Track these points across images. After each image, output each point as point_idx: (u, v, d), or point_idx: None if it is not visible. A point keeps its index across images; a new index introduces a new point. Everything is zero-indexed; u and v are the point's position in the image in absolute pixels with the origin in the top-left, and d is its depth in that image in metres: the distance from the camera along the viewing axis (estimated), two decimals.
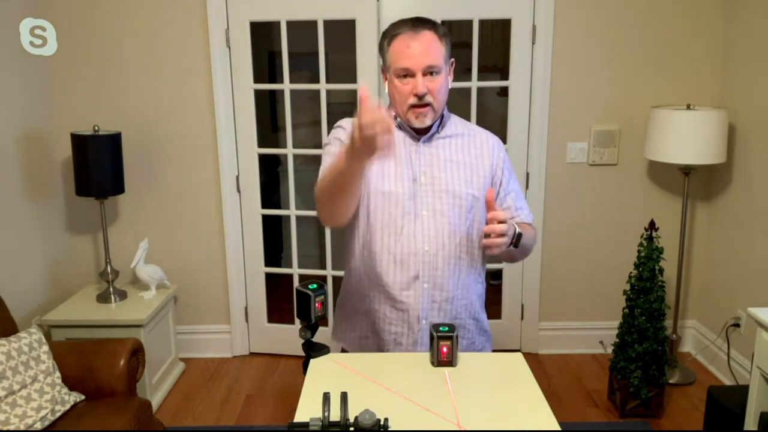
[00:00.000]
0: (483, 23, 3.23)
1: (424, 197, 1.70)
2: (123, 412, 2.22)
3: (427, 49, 1.61)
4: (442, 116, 1.74)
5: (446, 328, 1.56)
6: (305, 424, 1.23)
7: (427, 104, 1.64)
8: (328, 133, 1.82)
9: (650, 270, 2.78)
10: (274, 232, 4.43)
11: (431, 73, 1.63)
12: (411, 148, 1.72)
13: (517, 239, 1.59)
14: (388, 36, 1.67)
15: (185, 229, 3.42)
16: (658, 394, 2.85)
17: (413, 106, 1.65)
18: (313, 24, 3.14)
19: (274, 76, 4.86)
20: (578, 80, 3.27)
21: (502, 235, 1.50)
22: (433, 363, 1.57)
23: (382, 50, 1.70)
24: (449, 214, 1.70)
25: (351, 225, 1.78)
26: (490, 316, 1.89)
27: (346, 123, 1.78)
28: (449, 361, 1.55)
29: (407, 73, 1.63)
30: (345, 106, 3.91)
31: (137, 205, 3.38)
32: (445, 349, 1.55)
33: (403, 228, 1.69)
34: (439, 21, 1.70)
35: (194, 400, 3.12)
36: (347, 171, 1.46)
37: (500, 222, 1.50)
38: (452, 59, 1.70)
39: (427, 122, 1.68)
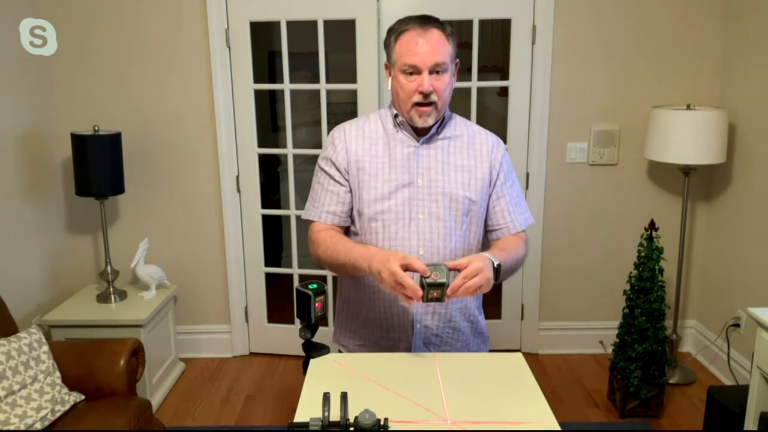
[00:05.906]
0: (483, 23, 3.23)
1: (421, 200, 1.68)
2: (123, 412, 2.22)
3: (435, 47, 1.60)
4: (443, 116, 1.71)
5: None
6: (305, 424, 1.23)
7: (432, 103, 1.63)
8: (328, 132, 1.80)
9: (650, 270, 2.78)
10: (274, 232, 4.43)
11: (437, 72, 1.61)
12: (410, 150, 1.70)
13: (497, 271, 1.53)
14: (395, 32, 1.65)
15: (185, 229, 3.42)
16: (658, 394, 2.85)
17: (417, 105, 1.63)
18: (313, 24, 3.14)
19: (274, 76, 4.86)
20: (578, 80, 3.26)
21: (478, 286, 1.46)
22: (423, 299, 1.48)
23: (387, 46, 1.68)
24: (445, 218, 1.68)
25: (344, 231, 1.78)
26: (489, 316, 1.88)
27: (338, 135, 1.75)
28: (438, 298, 1.48)
29: (414, 70, 1.61)
30: (345, 105, 3.91)
31: (137, 205, 3.38)
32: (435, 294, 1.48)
33: (397, 233, 1.68)
34: None
35: (194, 400, 3.12)
36: (361, 272, 1.57)
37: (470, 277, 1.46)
38: (457, 60, 1.69)
39: (430, 122, 1.66)
